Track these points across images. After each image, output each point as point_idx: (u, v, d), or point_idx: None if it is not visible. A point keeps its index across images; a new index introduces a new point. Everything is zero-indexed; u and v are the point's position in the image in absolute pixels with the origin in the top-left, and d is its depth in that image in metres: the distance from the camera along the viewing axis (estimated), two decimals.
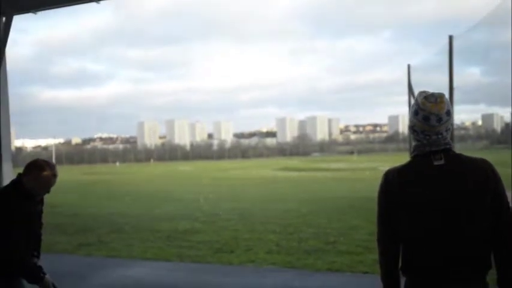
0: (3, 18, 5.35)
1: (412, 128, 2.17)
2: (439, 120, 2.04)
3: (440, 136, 2.05)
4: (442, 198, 2.06)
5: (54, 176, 3.35)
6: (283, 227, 10.13)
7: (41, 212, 3.58)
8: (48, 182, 3.30)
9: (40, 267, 3.40)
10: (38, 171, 3.26)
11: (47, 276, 3.35)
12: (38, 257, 3.59)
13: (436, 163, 2.07)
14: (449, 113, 2.08)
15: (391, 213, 2.18)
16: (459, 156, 2.10)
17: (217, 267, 7.19)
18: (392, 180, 2.17)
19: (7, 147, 5.47)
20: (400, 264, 2.23)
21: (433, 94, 2.10)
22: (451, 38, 11.92)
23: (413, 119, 2.14)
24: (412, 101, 12.79)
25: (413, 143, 2.20)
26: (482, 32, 13.19)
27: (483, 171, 2.10)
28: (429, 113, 2.04)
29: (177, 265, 7.45)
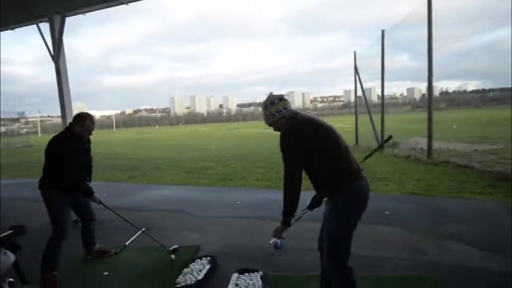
0: (59, 17, 5.25)
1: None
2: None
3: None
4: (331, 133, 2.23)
5: (93, 123, 3.44)
6: (267, 163, 10.25)
7: (89, 149, 3.62)
8: (89, 128, 3.41)
9: (90, 187, 3.50)
10: (82, 120, 3.39)
11: (96, 193, 3.51)
12: (89, 180, 3.64)
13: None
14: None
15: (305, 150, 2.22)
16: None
17: (221, 189, 7.47)
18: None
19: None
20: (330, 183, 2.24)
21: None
22: (383, 31, 11.83)
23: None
24: (358, 79, 12.64)
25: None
26: (408, 29, 13.25)
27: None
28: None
29: (194, 188, 7.73)
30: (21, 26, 6.30)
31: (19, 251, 1.51)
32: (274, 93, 2.47)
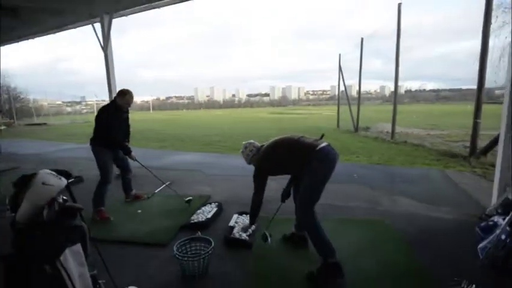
0: (108, 16, 5.20)
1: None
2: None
3: None
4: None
5: (132, 98, 3.41)
6: (265, 138, 10.22)
7: (127, 118, 3.59)
8: (128, 101, 3.40)
9: (129, 147, 3.48)
10: (123, 95, 3.38)
11: (133, 153, 3.52)
12: (128, 142, 3.62)
13: None
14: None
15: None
16: None
17: (230, 156, 7.42)
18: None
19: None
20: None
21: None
22: (362, 39, 11.45)
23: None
24: (341, 77, 12.29)
25: None
26: (382, 39, 13.01)
27: None
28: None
29: (209, 155, 7.71)
30: (81, 26, 6.23)
31: (70, 177, 1.54)
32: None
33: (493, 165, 3.70)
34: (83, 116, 29.96)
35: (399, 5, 9.27)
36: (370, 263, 2.33)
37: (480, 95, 6.59)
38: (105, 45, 5.32)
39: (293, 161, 2.24)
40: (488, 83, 6.72)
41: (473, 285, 1.91)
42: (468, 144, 6.85)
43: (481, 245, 2.26)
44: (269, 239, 2.57)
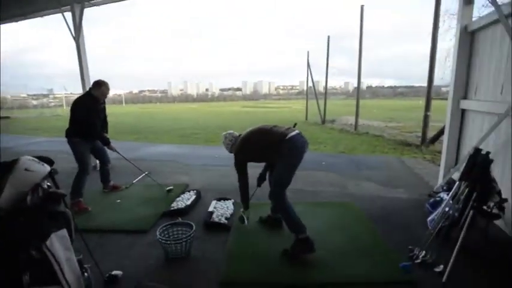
0: (79, 6, 4.88)
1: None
2: None
3: None
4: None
5: (108, 89, 3.29)
6: (240, 130, 10.26)
7: (104, 109, 3.46)
8: (104, 92, 3.27)
9: (108, 138, 3.38)
10: (99, 86, 3.25)
11: (112, 144, 3.42)
12: (106, 132, 3.51)
13: None
14: None
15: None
16: None
17: (205, 147, 7.37)
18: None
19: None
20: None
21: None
22: (328, 37, 11.79)
23: None
24: (309, 73, 12.40)
25: None
26: (348, 38, 13.42)
27: None
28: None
29: (184, 146, 7.60)
30: (49, 14, 5.75)
31: (53, 164, 1.48)
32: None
33: (440, 152, 4.07)
34: (51, 109, 27.90)
35: (362, 6, 9.64)
36: (338, 239, 2.49)
37: (430, 91, 7.12)
38: (77, 36, 4.98)
39: (266, 149, 2.30)
40: (437, 81, 7.28)
41: (423, 252, 2.12)
42: (420, 134, 7.40)
43: (429, 218, 2.51)
44: (246, 221, 2.64)
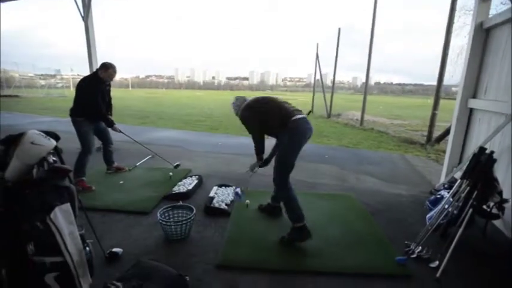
0: None
1: None
2: None
3: None
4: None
5: (115, 72, 3.28)
6: None
7: (109, 90, 3.47)
8: (111, 74, 3.26)
9: (112, 119, 3.37)
10: (106, 68, 3.24)
11: (116, 125, 3.43)
12: (110, 114, 3.50)
13: None
14: None
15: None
16: None
17: (209, 134, 7.39)
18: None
19: None
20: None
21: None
22: (339, 29, 11.55)
23: None
24: (318, 65, 12.21)
25: None
26: (358, 33, 13.18)
27: None
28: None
29: (189, 132, 7.63)
30: None
31: (59, 139, 1.50)
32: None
33: (445, 152, 4.03)
34: (58, 90, 28.01)
35: (375, 0, 9.41)
36: (335, 230, 2.51)
37: (440, 88, 7.01)
38: (86, 15, 4.95)
39: (272, 118, 2.26)
40: (448, 80, 7.16)
41: (420, 247, 2.13)
42: (426, 133, 7.33)
43: (428, 215, 2.51)
44: (242, 197, 2.80)
